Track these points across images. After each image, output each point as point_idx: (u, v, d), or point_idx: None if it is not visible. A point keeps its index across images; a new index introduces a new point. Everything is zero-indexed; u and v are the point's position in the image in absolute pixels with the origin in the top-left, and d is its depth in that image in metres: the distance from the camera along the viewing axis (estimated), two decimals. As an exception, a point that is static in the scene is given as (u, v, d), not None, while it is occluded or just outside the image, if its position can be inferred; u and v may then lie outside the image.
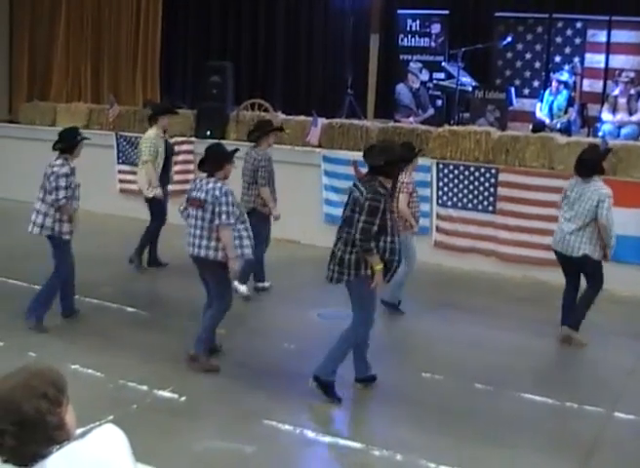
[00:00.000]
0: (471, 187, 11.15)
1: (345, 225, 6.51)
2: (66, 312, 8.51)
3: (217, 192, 7.05)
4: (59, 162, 8.07)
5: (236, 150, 7.68)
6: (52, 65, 16.80)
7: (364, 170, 8.83)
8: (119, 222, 10.96)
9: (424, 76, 14.51)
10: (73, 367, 7.04)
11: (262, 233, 9.25)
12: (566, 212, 8.26)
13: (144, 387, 6.77)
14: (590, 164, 8.22)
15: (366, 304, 6.66)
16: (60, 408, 2.52)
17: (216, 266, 7.18)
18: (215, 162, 7.32)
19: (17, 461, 2.46)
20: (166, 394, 6.68)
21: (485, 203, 11.08)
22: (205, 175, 7.33)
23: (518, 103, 13.27)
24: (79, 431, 2.64)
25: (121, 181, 14.01)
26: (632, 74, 12.50)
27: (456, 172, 11.27)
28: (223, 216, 7.01)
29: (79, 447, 2.47)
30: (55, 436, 2.49)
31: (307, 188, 11.76)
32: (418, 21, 14.81)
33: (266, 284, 9.88)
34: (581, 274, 8.36)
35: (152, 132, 10.39)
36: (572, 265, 8.29)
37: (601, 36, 13.31)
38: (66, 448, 2.47)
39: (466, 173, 11.21)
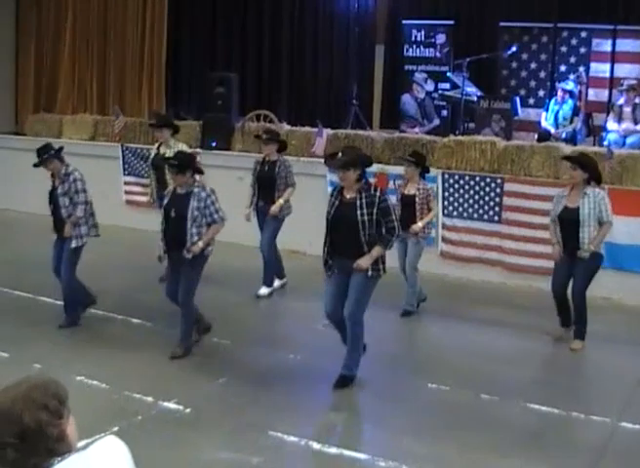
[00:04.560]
0: (477, 197, 11.14)
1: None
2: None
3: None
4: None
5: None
6: (58, 77, 16.84)
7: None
8: (125, 233, 10.97)
9: (429, 86, 14.53)
10: (78, 378, 7.04)
11: None
12: None
13: (149, 398, 6.75)
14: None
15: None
16: (62, 419, 2.51)
17: None
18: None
19: (18, 474, 2.45)
20: (171, 405, 6.66)
21: (491, 213, 11.07)
22: None
23: (523, 113, 13.24)
24: (83, 442, 2.63)
25: (127, 193, 14.04)
26: (633, 81, 12.47)
27: (461, 182, 11.26)
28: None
29: (80, 459, 2.46)
30: (56, 448, 2.48)
31: (313, 199, 11.75)
32: (422, 32, 14.82)
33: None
34: None
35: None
36: None
37: (606, 45, 13.29)
38: (68, 460, 2.45)
39: (472, 183, 11.19)
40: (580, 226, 8.15)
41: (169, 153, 9.92)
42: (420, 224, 9.17)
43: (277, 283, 10.30)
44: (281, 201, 9.83)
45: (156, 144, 10.56)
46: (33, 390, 2.51)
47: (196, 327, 8.05)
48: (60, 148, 8.55)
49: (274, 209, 9.80)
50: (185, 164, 7.70)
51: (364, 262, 6.85)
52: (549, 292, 8.65)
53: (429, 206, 9.26)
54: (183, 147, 10.08)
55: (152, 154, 10.54)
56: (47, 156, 8.35)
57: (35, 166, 8.41)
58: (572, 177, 8.36)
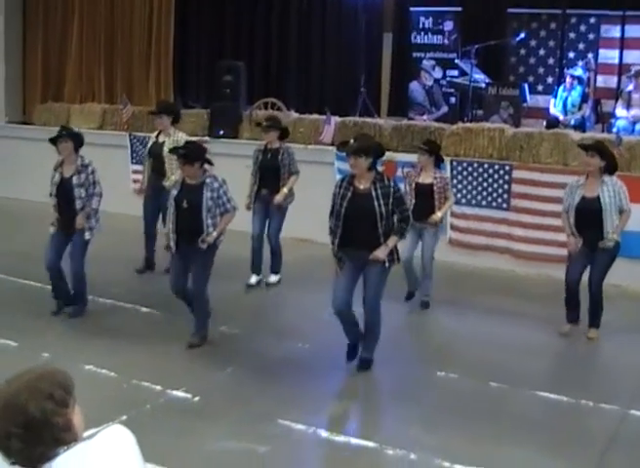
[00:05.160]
0: (485, 184, 11.12)
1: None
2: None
3: None
4: None
5: None
6: (65, 66, 16.81)
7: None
8: (133, 222, 10.95)
9: (438, 74, 14.46)
10: (87, 367, 7.05)
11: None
12: None
13: (158, 387, 6.76)
14: None
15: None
16: (67, 409, 2.51)
17: None
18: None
19: (24, 463, 2.45)
20: (179, 394, 6.67)
21: (499, 200, 11.04)
22: None
23: (532, 100, 13.19)
24: (92, 431, 2.63)
25: (135, 181, 14.00)
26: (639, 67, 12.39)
27: (470, 169, 11.23)
28: None
29: (87, 447, 2.47)
30: (62, 437, 2.48)
31: (321, 187, 11.72)
32: (430, 19, 14.74)
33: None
34: None
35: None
36: None
37: (615, 31, 13.19)
38: (74, 448, 2.46)
39: (480, 170, 11.17)
40: (604, 215, 8.05)
41: (168, 142, 9.88)
42: (439, 214, 9.08)
43: (275, 277, 10.16)
44: (285, 190, 9.73)
45: (155, 132, 10.52)
46: (39, 380, 2.51)
47: (200, 332, 7.96)
48: (79, 134, 8.53)
49: (279, 198, 9.71)
50: (195, 155, 7.63)
51: (381, 253, 6.86)
52: (559, 279, 8.63)
53: (446, 195, 9.20)
54: (183, 136, 10.02)
55: (150, 142, 10.48)
56: (65, 134, 8.36)
57: (50, 141, 8.35)
58: (588, 165, 8.24)
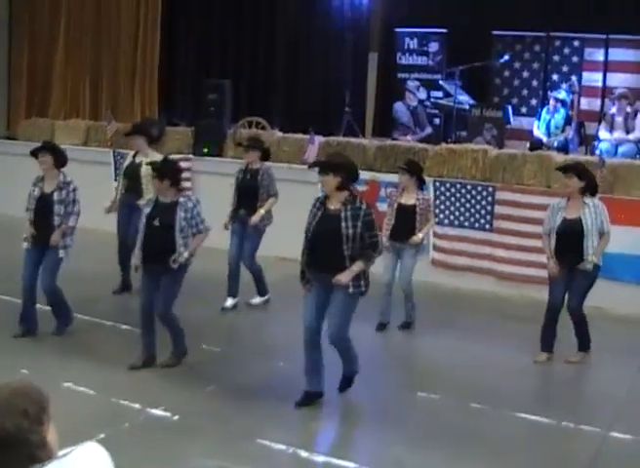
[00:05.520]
0: (468, 205, 11.15)
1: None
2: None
3: None
4: None
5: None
6: (50, 82, 16.81)
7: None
8: (114, 239, 10.91)
9: (422, 94, 14.52)
10: (66, 384, 6.99)
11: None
12: None
13: (137, 405, 6.71)
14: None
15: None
16: (42, 426, 2.48)
17: None
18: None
19: (-2, 480, 2.42)
20: (158, 412, 6.62)
21: (482, 221, 11.07)
22: None
23: (515, 122, 13.25)
24: (69, 449, 2.59)
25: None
26: (622, 90, 12.45)
27: (453, 190, 11.26)
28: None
29: (61, 465, 2.43)
30: (37, 455, 2.45)
31: (304, 206, 11.70)
32: (416, 40, 14.82)
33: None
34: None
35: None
36: None
37: (598, 55, 13.30)
38: (48, 466, 2.43)
39: (463, 191, 11.20)
40: (585, 237, 8.02)
41: (145, 162, 9.81)
42: (420, 235, 9.06)
43: (258, 300, 10.11)
44: (262, 211, 9.62)
45: (131, 153, 10.47)
46: (13, 396, 2.48)
47: (176, 351, 7.90)
48: (61, 151, 8.51)
49: (255, 219, 9.59)
50: (165, 171, 7.59)
51: (344, 277, 6.53)
52: (541, 300, 8.63)
53: (427, 216, 9.20)
54: (159, 158, 9.97)
55: (127, 162, 10.41)
56: (45, 147, 8.38)
57: (31, 153, 8.34)
58: (567, 187, 8.25)
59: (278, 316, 9.73)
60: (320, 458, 6.01)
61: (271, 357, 8.16)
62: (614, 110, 12.32)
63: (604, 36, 13.08)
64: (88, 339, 8.48)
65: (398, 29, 14.95)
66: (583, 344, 8.38)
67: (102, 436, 5.78)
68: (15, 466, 2.42)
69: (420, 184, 9.29)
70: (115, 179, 13.97)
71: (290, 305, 9.79)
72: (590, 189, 8.18)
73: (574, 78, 13.55)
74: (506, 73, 14.15)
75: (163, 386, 7.24)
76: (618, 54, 13.14)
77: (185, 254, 7.48)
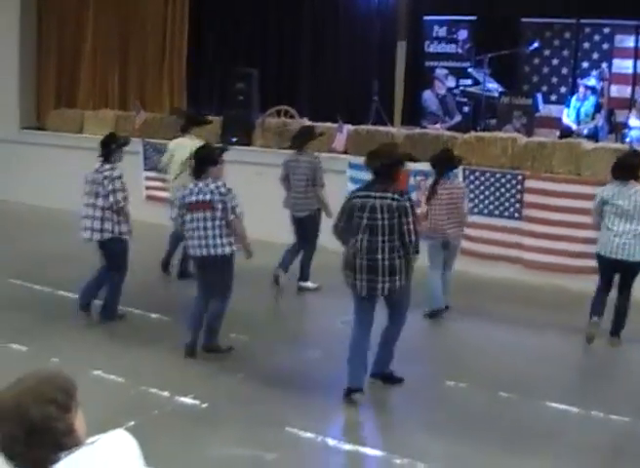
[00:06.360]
0: (497, 194, 11.08)
1: (384, 233, 6.55)
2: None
3: (222, 190, 7.47)
4: (107, 166, 8.50)
5: (224, 150, 8.24)
6: (79, 72, 16.86)
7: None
8: (145, 229, 10.94)
9: (451, 82, 14.46)
10: (95, 372, 7.06)
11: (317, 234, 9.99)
12: (615, 218, 8.12)
13: (166, 393, 6.76)
14: (632, 168, 8.18)
15: (408, 303, 7.02)
16: (69, 413, 2.50)
17: (227, 261, 7.59)
18: (198, 166, 7.69)
19: (26, 467, 2.44)
20: (187, 400, 6.66)
21: (511, 209, 11.00)
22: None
23: (545, 109, 13.16)
24: (97, 437, 2.61)
25: (147, 188, 14.05)
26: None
27: (482, 178, 11.20)
28: (237, 210, 7.49)
29: (88, 452, 2.45)
30: (63, 442, 2.47)
31: (333, 195, 11.71)
32: (444, 28, 14.75)
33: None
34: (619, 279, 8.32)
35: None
36: (622, 270, 8.25)
37: (629, 41, 13.17)
38: (75, 453, 2.44)
39: (492, 179, 11.13)
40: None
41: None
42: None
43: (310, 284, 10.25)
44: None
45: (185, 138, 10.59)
46: (41, 384, 2.50)
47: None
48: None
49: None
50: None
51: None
52: (569, 289, 8.62)
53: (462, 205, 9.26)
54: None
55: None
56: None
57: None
58: None
59: (306, 303, 9.75)
60: (348, 446, 6.02)
61: (301, 345, 8.23)
62: (644, 97, 12.21)
63: (635, 23, 12.93)
64: (117, 328, 8.53)
65: (427, 17, 14.88)
66: (618, 329, 8.35)
67: (132, 424, 5.82)
68: (42, 453, 2.45)
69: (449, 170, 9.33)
70: (144, 168, 14.07)
71: (318, 293, 9.86)
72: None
73: (604, 65, 13.43)
74: (536, 61, 14.04)
75: (192, 374, 7.29)
76: (649, 40, 13.01)
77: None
